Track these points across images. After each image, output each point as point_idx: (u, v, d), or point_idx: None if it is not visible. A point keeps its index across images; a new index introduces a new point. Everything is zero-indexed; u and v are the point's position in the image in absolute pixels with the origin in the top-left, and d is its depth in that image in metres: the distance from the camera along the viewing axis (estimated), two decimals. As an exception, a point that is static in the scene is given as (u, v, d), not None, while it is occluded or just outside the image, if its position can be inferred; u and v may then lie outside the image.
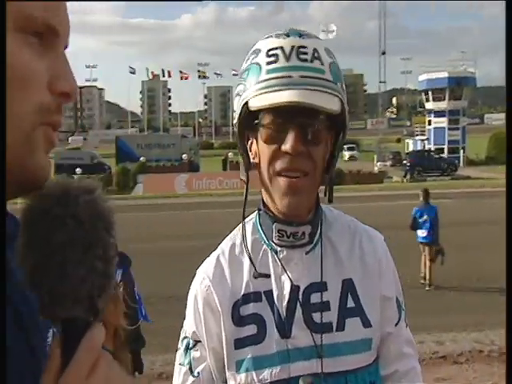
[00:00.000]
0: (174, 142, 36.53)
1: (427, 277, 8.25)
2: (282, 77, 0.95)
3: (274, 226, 1.02)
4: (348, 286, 1.04)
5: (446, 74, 37.18)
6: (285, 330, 1.00)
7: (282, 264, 1.03)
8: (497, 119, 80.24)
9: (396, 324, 1.09)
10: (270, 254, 1.04)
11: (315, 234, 1.05)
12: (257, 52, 0.99)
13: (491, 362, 5.09)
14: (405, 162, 32.29)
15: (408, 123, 68.24)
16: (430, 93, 37.97)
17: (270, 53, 0.97)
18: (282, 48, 0.97)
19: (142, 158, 33.17)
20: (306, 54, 0.97)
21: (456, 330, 6.21)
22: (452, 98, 36.88)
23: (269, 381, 0.99)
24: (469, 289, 8.03)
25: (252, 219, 1.10)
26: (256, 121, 0.98)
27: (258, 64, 0.98)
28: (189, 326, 1.06)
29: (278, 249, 1.04)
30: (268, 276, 1.02)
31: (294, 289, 1.02)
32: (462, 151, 36.75)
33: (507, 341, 1.65)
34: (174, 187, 27.50)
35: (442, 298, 7.67)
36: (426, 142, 38.52)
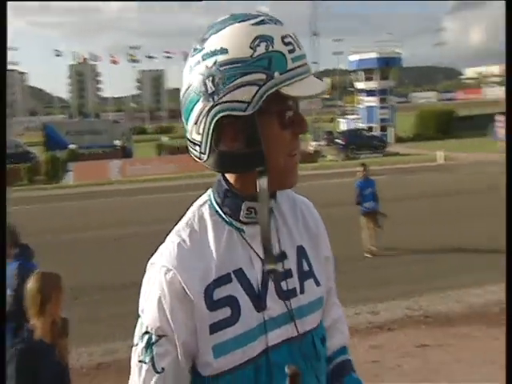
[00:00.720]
0: (106, 128, 35.31)
1: (373, 244, 8.99)
2: (302, 65, 0.99)
3: (243, 205, 1.05)
4: (301, 252, 1.13)
5: (375, 55, 38.20)
6: (261, 304, 1.03)
7: (247, 241, 1.05)
8: (422, 98, 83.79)
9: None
10: (234, 234, 1.06)
11: (271, 208, 1.09)
12: (267, 39, 0.96)
13: (419, 326, 5.40)
14: (338, 141, 33.08)
15: (340, 103, 69.88)
16: (360, 73, 38.93)
17: (286, 41, 0.98)
18: (290, 36, 0.99)
19: (71, 146, 31.82)
20: (298, 40, 1.02)
21: (390, 300, 6.52)
22: (381, 78, 38.03)
23: (249, 357, 1.01)
24: (402, 260, 8.43)
25: (206, 202, 1.10)
26: (273, 107, 0.98)
27: (279, 52, 0.96)
28: (151, 321, 1.01)
29: (244, 227, 1.06)
30: (275, 269, 1.03)
31: (258, 267, 1.05)
32: (391, 129, 38.12)
33: (507, 340, 1.68)
34: (108, 174, 26.65)
35: (377, 271, 8.00)
36: (357, 120, 39.61)
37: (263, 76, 0.95)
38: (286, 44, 0.97)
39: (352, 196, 9.35)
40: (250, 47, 0.95)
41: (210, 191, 1.12)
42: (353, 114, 41.83)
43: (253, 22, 0.98)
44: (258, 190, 1.00)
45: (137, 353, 1.02)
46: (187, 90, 1.01)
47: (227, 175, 1.07)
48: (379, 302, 6.44)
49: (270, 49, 0.96)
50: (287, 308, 1.06)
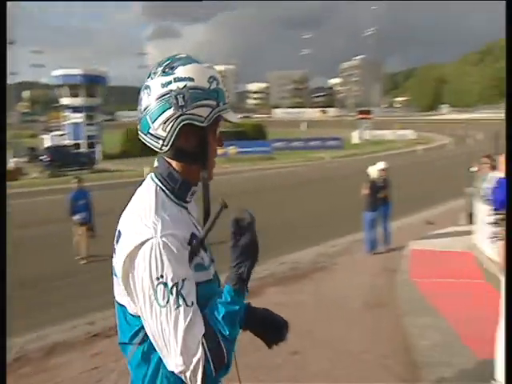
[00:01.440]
0: None
1: (85, 253, 9.51)
2: (229, 101, 1.55)
3: (192, 189, 1.54)
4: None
5: (80, 71, 37.65)
6: (210, 256, 1.57)
7: (191, 215, 1.56)
8: (128, 116, 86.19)
9: None
10: (183, 210, 1.53)
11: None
12: (217, 79, 1.50)
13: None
14: (42, 157, 31.26)
15: (43, 118, 65.70)
16: (65, 88, 37.73)
17: (223, 83, 1.52)
18: (222, 80, 1.53)
19: None
20: None
21: (105, 310, 6.65)
22: (87, 95, 37.70)
23: (209, 278, 1.53)
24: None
25: (158, 191, 1.50)
26: (213, 125, 1.50)
27: (222, 90, 1.51)
28: (175, 274, 1.35)
29: (188, 205, 1.56)
30: (209, 229, 1.51)
31: (200, 229, 1.55)
32: (99, 146, 38.11)
33: (507, 338, 1.80)
34: None
35: (94, 280, 8.04)
36: (63, 137, 38.17)
37: (215, 102, 1.48)
38: (224, 85, 1.52)
39: (63, 212, 9.30)
40: (208, 81, 1.48)
41: (155, 183, 1.52)
42: (58, 130, 40.17)
43: (206, 65, 1.51)
44: (201, 177, 1.51)
45: (170, 306, 1.34)
46: (158, 98, 1.45)
47: (177, 167, 1.52)
48: (97, 312, 6.56)
49: (218, 86, 1.50)
50: (211, 257, 1.59)
